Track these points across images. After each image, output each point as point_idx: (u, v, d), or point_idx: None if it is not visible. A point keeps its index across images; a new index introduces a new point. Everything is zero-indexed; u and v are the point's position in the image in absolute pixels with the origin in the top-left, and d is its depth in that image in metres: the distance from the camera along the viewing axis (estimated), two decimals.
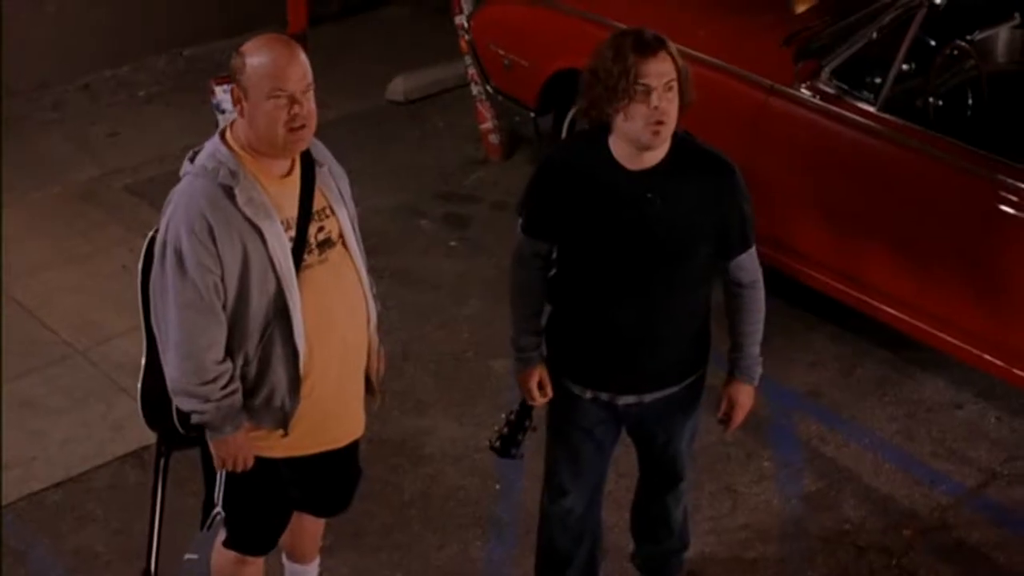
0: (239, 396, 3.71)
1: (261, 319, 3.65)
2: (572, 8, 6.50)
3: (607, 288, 3.91)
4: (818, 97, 5.66)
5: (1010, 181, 5.15)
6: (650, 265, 3.85)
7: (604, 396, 4.05)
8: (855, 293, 5.70)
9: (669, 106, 3.67)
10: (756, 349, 4.09)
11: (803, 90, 5.70)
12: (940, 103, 5.77)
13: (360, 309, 3.88)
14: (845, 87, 5.64)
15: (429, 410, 5.61)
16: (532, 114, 6.81)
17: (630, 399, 4.05)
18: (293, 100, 3.54)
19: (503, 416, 4.25)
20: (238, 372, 3.69)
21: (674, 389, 4.06)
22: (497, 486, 5.21)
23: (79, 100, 8.27)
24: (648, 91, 3.66)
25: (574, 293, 4.01)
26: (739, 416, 4.15)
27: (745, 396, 4.12)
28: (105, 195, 7.21)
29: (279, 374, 3.71)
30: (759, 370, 4.11)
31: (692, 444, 4.33)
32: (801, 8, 6.34)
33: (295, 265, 3.65)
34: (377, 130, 7.85)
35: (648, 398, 4.05)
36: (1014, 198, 5.14)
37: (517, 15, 6.88)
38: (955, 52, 5.91)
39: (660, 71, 3.66)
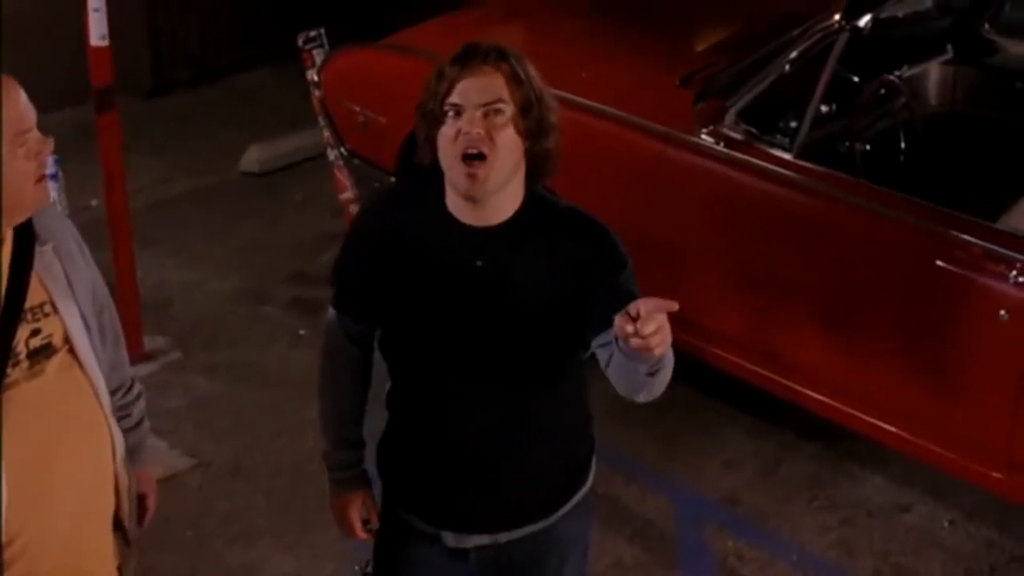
0: None
1: None
2: (434, 53, 5.53)
3: (442, 386, 2.92)
4: (723, 144, 4.74)
5: (958, 236, 4.26)
6: (493, 355, 2.86)
7: (448, 537, 3.01)
8: (775, 377, 4.76)
9: (494, 133, 2.72)
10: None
11: (705, 136, 4.78)
12: (867, 148, 4.88)
13: (97, 436, 2.83)
14: (755, 131, 4.73)
15: (259, 539, 4.55)
16: (392, 179, 5.82)
17: (482, 540, 3.00)
18: (40, 140, 2.65)
19: (356, 568, 3.25)
20: None
21: (542, 524, 3.01)
22: None
23: None
24: (458, 111, 2.72)
25: (404, 393, 3.03)
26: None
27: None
28: None
29: None
30: None
31: None
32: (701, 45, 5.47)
33: None
34: (226, 205, 6.89)
35: (505, 538, 2.99)
36: (963, 256, 4.24)
37: (371, 64, 5.95)
38: (883, 90, 5.03)
39: (480, 87, 2.73)
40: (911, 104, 5.06)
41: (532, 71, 2.82)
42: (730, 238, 4.78)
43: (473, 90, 2.72)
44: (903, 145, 5.02)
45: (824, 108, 4.88)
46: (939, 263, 4.29)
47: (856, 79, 5.03)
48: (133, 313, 5.35)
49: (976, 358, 4.28)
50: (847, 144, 4.85)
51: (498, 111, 2.73)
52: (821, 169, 4.61)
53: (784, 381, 4.74)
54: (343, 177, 6.30)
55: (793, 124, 4.68)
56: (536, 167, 2.85)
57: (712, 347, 4.88)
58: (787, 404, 4.82)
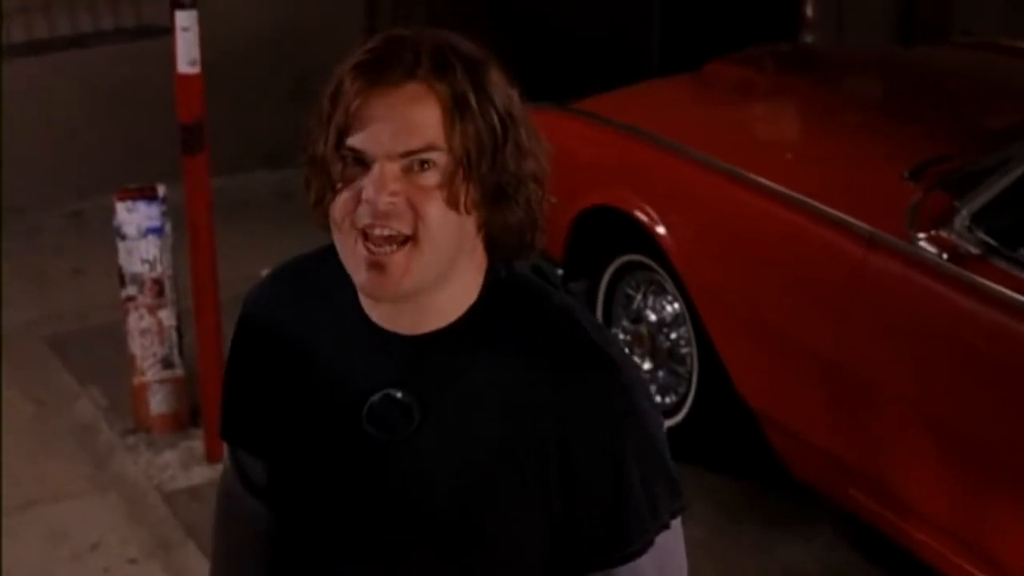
0: None
1: None
2: (612, 120, 4.51)
3: (332, 569, 1.86)
4: (946, 256, 3.50)
5: None
6: (412, 539, 1.79)
7: None
8: None
9: (421, 203, 1.67)
10: None
11: (923, 244, 3.54)
12: None
13: None
14: (992, 242, 3.48)
15: None
16: (560, 272, 4.76)
17: None
18: None
19: None
20: None
21: None
22: None
23: (59, 228, 6.73)
24: (364, 162, 1.67)
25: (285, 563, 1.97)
26: None
27: None
28: (23, 345, 5.53)
29: None
30: None
31: None
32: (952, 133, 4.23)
33: None
34: None
35: None
36: None
37: (553, 131, 4.92)
38: None
39: (398, 125, 1.66)
40: None
41: (495, 84, 1.72)
42: (948, 382, 3.52)
43: (386, 129, 1.65)
44: None
45: None
46: None
47: None
48: (214, 392, 4.49)
49: None
50: None
51: (426, 165, 1.67)
52: None
53: None
54: None
55: None
56: (499, 240, 1.78)
57: (915, 529, 3.60)
58: None
